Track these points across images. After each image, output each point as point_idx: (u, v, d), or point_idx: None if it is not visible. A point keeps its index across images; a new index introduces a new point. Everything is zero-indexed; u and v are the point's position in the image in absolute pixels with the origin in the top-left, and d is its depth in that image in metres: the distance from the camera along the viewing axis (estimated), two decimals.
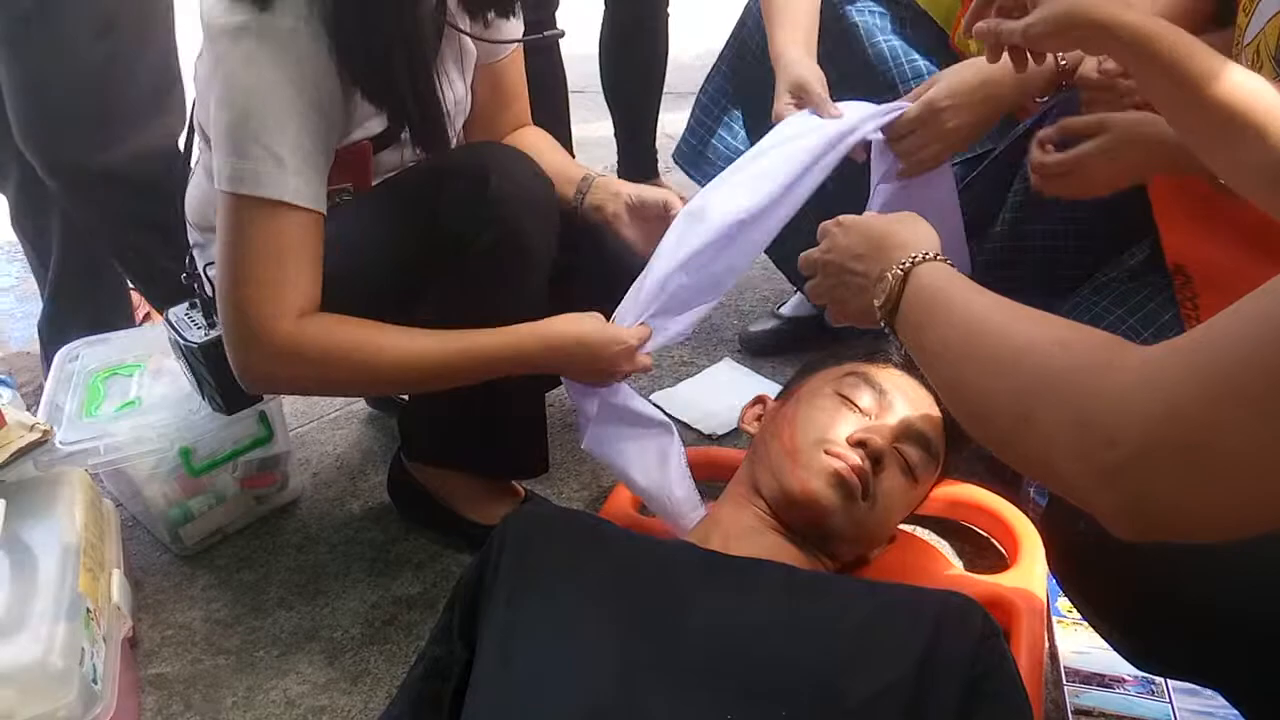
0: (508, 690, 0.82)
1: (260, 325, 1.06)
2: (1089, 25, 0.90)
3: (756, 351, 1.80)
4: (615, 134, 2.37)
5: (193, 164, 1.26)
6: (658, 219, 1.24)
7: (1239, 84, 0.83)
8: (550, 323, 1.15)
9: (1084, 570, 0.83)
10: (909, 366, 1.10)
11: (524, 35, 1.26)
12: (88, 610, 1.10)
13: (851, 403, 1.07)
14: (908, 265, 0.81)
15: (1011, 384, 0.64)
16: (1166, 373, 0.54)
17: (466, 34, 1.18)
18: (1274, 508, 0.51)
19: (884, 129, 1.24)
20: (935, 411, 1.11)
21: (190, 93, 1.22)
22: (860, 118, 1.22)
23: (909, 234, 0.89)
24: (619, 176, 2.39)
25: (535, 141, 1.34)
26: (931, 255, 0.83)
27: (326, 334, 1.08)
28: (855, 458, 1.02)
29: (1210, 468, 0.51)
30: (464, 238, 1.11)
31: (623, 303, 1.19)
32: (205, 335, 1.26)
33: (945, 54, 1.42)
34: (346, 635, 1.29)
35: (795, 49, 1.28)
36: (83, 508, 1.25)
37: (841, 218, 0.98)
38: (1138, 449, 0.53)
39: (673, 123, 3.22)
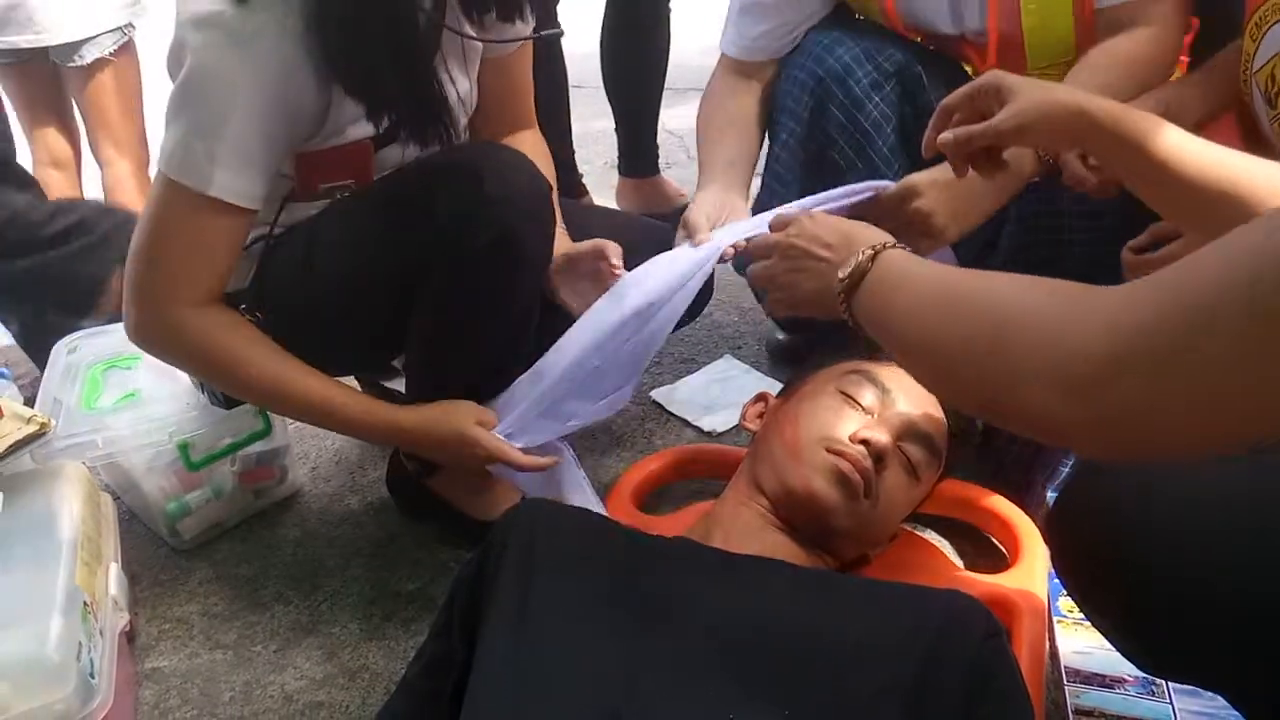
0: (508, 687, 0.82)
1: (152, 304, 1.12)
2: (1067, 111, 0.89)
3: (785, 360, 1.76)
4: (616, 129, 2.35)
5: None
6: (592, 273, 1.25)
7: (1214, 156, 0.84)
8: (421, 411, 1.22)
9: (1088, 570, 0.82)
10: None
11: (522, 34, 1.25)
12: (85, 604, 1.10)
13: (854, 400, 1.07)
14: (879, 247, 0.84)
15: (986, 320, 0.66)
16: (1141, 294, 0.57)
17: (463, 35, 1.17)
18: (1238, 423, 0.54)
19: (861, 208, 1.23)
20: (938, 411, 1.10)
21: None
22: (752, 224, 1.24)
23: (881, 236, 0.90)
24: (620, 173, 2.39)
25: (529, 152, 1.31)
26: (904, 247, 0.85)
27: (204, 334, 1.13)
28: (858, 455, 1.01)
29: (1179, 380, 0.53)
30: (459, 239, 1.11)
31: (512, 389, 1.23)
32: None
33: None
34: (345, 630, 1.28)
35: (712, 190, 1.31)
36: (80, 501, 1.24)
37: (813, 210, 1.03)
38: (1110, 362, 0.55)
39: (674, 118, 3.22)
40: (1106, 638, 0.84)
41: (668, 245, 1.26)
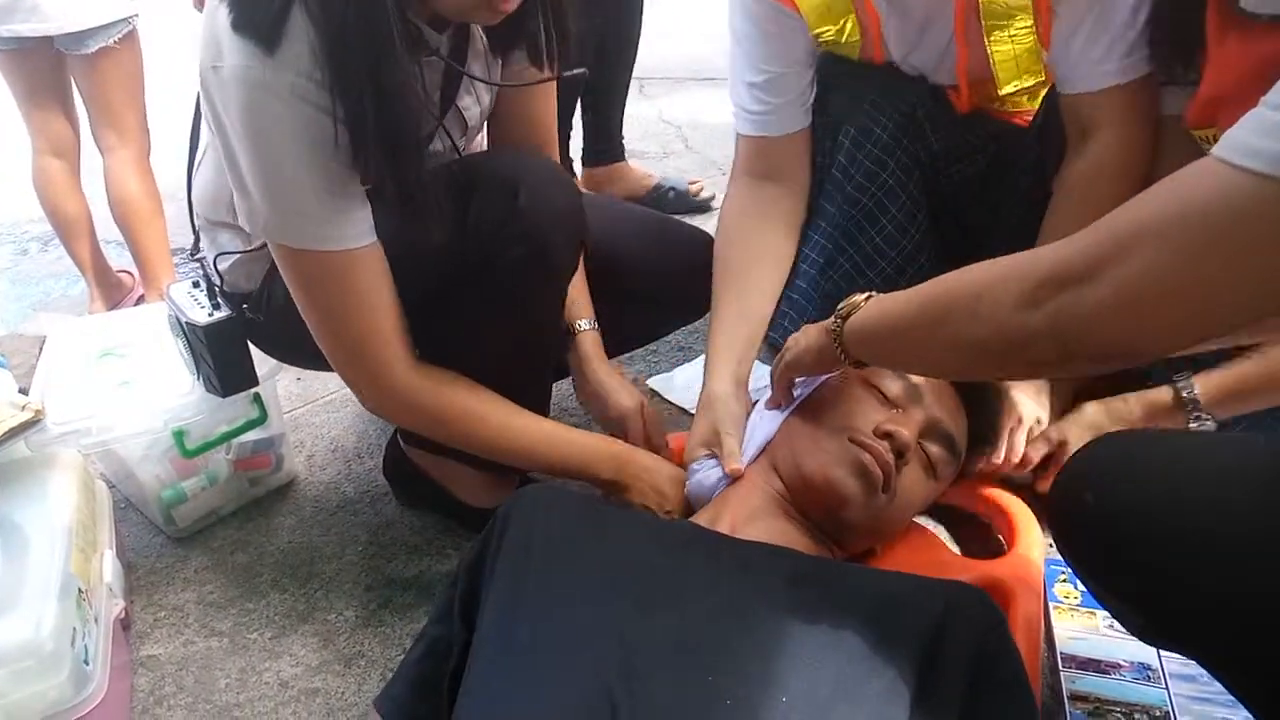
0: (504, 670, 0.82)
1: (367, 379, 1.14)
2: None
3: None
4: (582, 114, 2.33)
5: (200, 154, 1.23)
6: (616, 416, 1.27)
7: None
8: (635, 451, 1.22)
9: (1088, 544, 0.82)
10: None
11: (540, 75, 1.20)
12: (80, 591, 1.10)
13: (880, 391, 1.06)
14: (870, 295, 0.97)
15: (960, 293, 0.81)
16: (1088, 231, 0.70)
17: (475, 78, 1.16)
18: (1178, 325, 0.67)
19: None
20: (962, 412, 1.10)
21: None
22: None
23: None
24: (583, 164, 2.39)
25: None
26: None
27: (436, 394, 1.14)
28: (880, 449, 1.01)
29: (1122, 286, 0.66)
30: (492, 252, 1.09)
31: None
32: (209, 316, 1.25)
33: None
34: (340, 618, 1.28)
35: (723, 384, 1.25)
36: (75, 488, 1.24)
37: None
38: (1067, 278, 0.69)
39: (672, 106, 3.21)
40: (1106, 609, 0.85)
41: (694, 245, 1.34)
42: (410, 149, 1.02)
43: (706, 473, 1.14)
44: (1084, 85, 1.23)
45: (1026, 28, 1.27)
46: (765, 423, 1.14)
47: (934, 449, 1.06)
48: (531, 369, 1.26)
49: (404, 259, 1.10)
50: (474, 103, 1.21)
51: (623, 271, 1.33)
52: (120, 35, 2.02)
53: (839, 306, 0.98)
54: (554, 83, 1.25)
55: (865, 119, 1.38)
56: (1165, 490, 0.76)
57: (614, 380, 1.28)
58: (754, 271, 1.37)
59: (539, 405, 1.30)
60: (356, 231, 1.06)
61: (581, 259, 1.26)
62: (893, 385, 1.06)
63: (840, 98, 1.39)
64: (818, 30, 1.31)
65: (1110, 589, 0.82)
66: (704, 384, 1.27)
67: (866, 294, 0.97)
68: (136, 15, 2.06)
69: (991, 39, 1.28)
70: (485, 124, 1.29)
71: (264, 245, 1.18)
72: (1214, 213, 0.61)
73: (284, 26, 0.94)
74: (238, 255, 1.23)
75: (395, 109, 0.98)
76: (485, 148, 1.31)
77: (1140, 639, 0.85)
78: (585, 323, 1.29)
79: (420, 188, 1.03)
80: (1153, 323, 0.67)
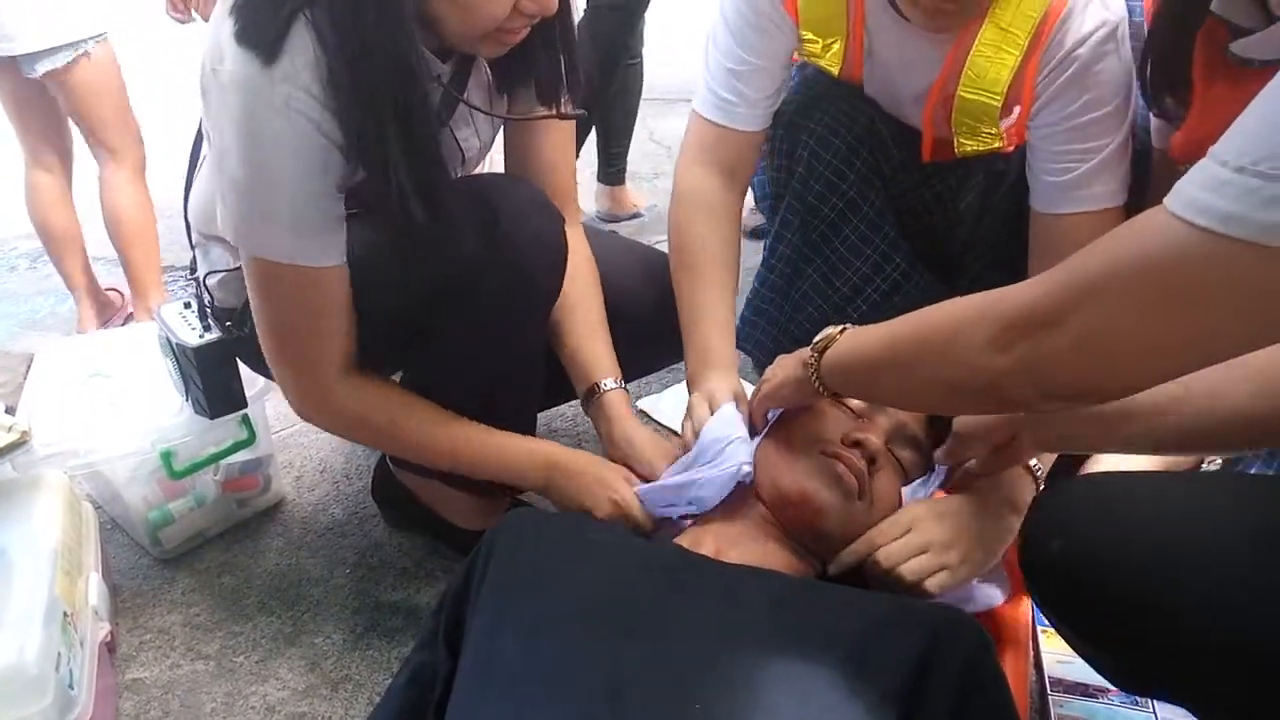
0: (491, 698, 0.81)
1: (300, 386, 1.15)
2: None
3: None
4: (596, 141, 2.61)
5: (198, 165, 1.23)
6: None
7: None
8: (566, 453, 1.20)
9: (1058, 589, 0.83)
10: None
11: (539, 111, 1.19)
12: (65, 614, 1.09)
13: (845, 405, 1.07)
14: (845, 328, 0.98)
15: (937, 327, 0.82)
16: (1053, 274, 0.71)
17: (481, 110, 1.17)
18: (1142, 368, 0.69)
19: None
20: (923, 416, 1.11)
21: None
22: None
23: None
24: (599, 180, 2.62)
25: (577, 272, 1.26)
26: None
27: (362, 400, 1.15)
28: (851, 457, 1.02)
29: (1084, 332, 0.68)
30: (473, 280, 1.10)
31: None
32: (200, 338, 1.25)
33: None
34: (328, 641, 1.27)
35: (716, 374, 1.21)
36: (61, 510, 1.23)
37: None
38: (1033, 322, 0.71)
39: (661, 129, 3.23)
40: (1080, 654, 0.85)
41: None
42: (437, 163, 1.02)
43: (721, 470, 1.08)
44: (1049, 206, 1.23)
45: (993, 134, 1.28)
46: (739, 447, 1.14)
47: (904, 453, 1.07)
48: (515, 396, 1.25)
49: (385, 285, 1.10)
50: (472, 135, 1.21)
51: (622, 307, 1.33)
52: (75, 56, 1.98)
53: (815, 340, 0.99)
54: (571, 127, 1.26)
55: (824, 129, 1.38)
56: (1134, 535, 0.76)
57: (642, 435, 1.22)
58: (725, 271, 1.32)
59: (524, 429, 1.30)
60: (326, 251, 1.06)
61: (603, 313, 1.26)
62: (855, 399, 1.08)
63: (801, 108, 1.39)
64: (806, 36, 1.32)
65: (1082, 635, 0.82)
66: (700, 374, 1.23)
67: (841, 326, 0.97)
68: (99, 35, 2.02)
69: (959, 133, 1.29)
70: (487, 160, 1.29)
71: None
72: (1166, 265, 0.63)
73: (285, 41, 0.94)
74: (224, 273, 1.23)
75: (418, 125, 0.98)
76: None
77: (1114, 684, 0.85)
78: (610, 381, 1.24)
79: (445, 202, 1.03)
80: (1117, 366, 0.69)
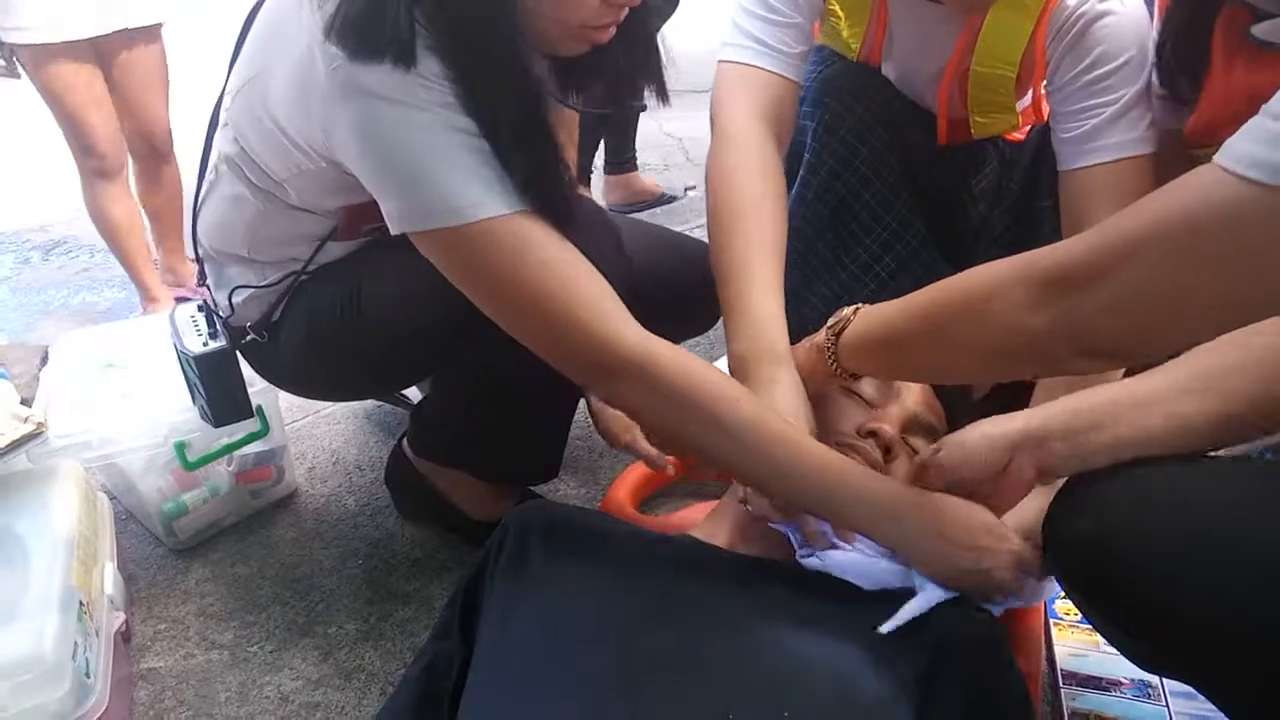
0: (506, 687, 0.82)
1: (590, 358, 0.95)
2: None
3: None
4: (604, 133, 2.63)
5: (205, 189, 1.20)
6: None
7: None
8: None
9: (1087, 574, 0.82)
10: None
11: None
12: (81, 604, 1.10)
13: (856, 394, 1.07)
14: (858, 307, 0.97)
15: (970, 290, 0.82)
16: (1093, 232, 0.72)
17: (560, 100, 1.13)
18: (1185, 324, 0.70)
19: None
20: (935, 399, 1.10)
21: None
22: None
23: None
24: (604, 172, 2.70)
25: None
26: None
27: (683, 369, 0.94)
28: (866, 447, 1.01)
29: (1127, 288, 0.69)
30: None
31: None
32: (204, 346, 1.24)
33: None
34: (341, 631, 1.28)
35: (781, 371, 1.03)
36: (76, 501, 1.24)
37: None
38: (1073, 280, 0.72)
39: (672, 119, 3.22)
40: (1104, 636, 0.84)
41: (691, 261, 1.30)
42: (555, 154, 0.96)
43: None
44: (1070, 163, 1.20)
45: (1009, 112, 1.28)
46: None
47: (918, 442, 1.07)
48: (560, 403, 1.26)
49: (428, 302, 1.06)
50: None
51: (638, 286, 1.32)
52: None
53: (830, 322, 0.98)
54: (573, 112, 1.24)
55: (840, 105, 1.37)
56: (1168, 519, 0.75)
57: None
58: (775, 232, 1.16)
59: (556, 421, 1.30)
60: (512, 197, 0.93)
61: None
62: (868, 388, 1.07)
63: (818, 84, 1.39)
64: (833, 8, 1.32)
65: (1108, 616, 0.82)
66: (742, 311, 1.07)
67: (854, 307, 0.97)
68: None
69: (975, 112, 1.29)
70: None
71: (278, 281, 1.17)
72: (1215, 220, 0.63)
73: (414, 52, 0.90)
74: (250, 290, 1.20)
75: (536, 119, 0.94)
76: None
77: (1140, 666, 0.84)
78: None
79: (569, 191, 0.98)
80: (1160, 323, 0.70)
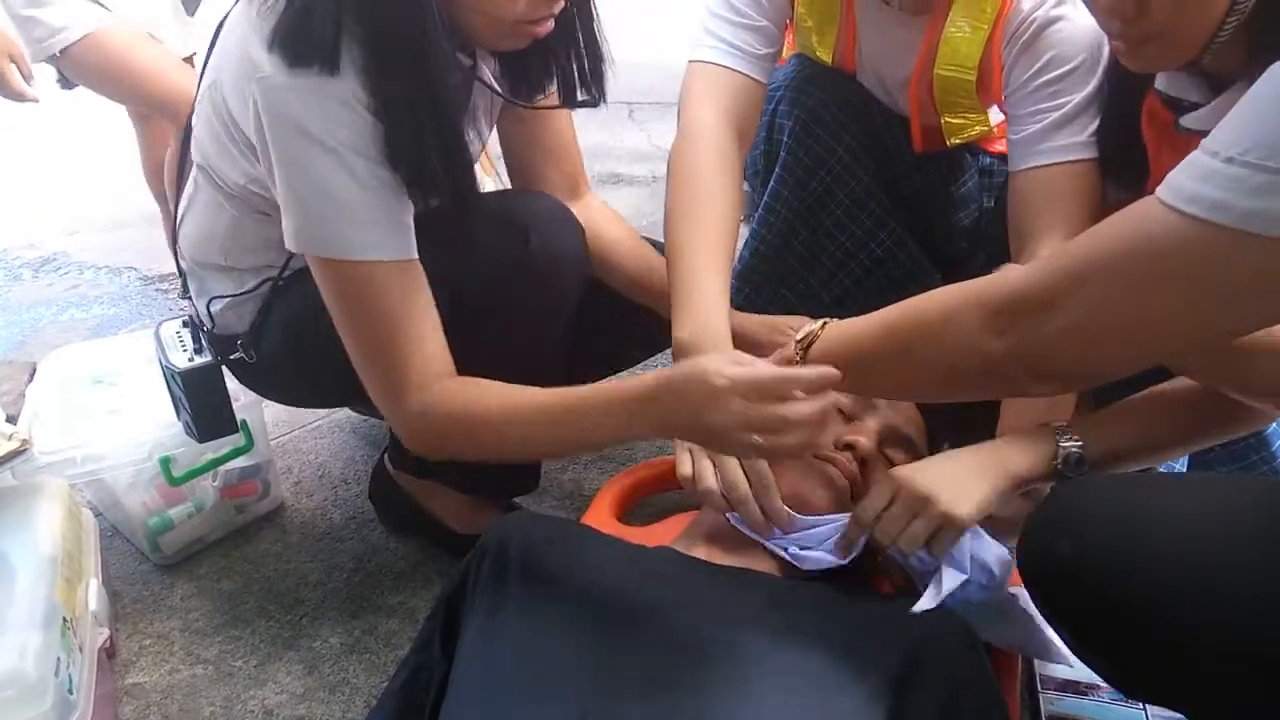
0: (484, 699, 0.82)
1: (404, 400, 1.01)
2: None
3: None
4: None
5: (185, 202, 1.22)
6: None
7: None
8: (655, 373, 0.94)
9: (1060, 593, 0.82)
10: None
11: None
12: (64, 620, 1.10)
13: (835, 409, 1.07)
14: (826, 322, 0.97)
15: (931, 312, 0.85)
16: (1044, 260, 0.76)
17: (504, 97, 1.16)
18: (1132, 350, 0.73)
19: None
20: (915, 413, 1.11)
21: None
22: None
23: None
24: None
25: (607, 227, 1.30)
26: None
27: (467, 405, 1.00)
28: (843, 460, 1.02)
29: (1077, 316, 0.71)
30: (501, 298, 1.10)
31: None
32: (188, 361, 1.24)
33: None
34: (325, 645, 1.28)
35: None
36: (61, 517, 1.25)
37: None
38: (1027, 308, 0.74)
39: (659, 134, 3.24)
40: (1080, 658, 0.84)
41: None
42: (464, 154, 1.01)
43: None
44: (1019, 163, 1.20)
45: (977, 115, 1.31)
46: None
47: (896, 455, 1.07)
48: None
49: None
50: (476, 138, 1.21)
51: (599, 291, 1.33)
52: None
53: (799, 337, 0.98)
54: (569, 111, 1.25)
55: (815, 104, 1.39)
56: (1150, 544, 0.75)
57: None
58: (729, 221, 1.19)
59: None
60: (403, 244, 1.01)
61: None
62: (844, 400, 1.08)
63: (794, 84, 1.41)
64: (802, 10, 1.34)
65: (1085, 640, 0.81)
66: (689, 310, 1.08)
67: (821, 321, 0.97)
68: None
69: (944, 114, 1.32)
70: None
71: (255, 287, 1.19)
72: (1156, 252, 0.67)
73: (339, 55, 0.93)
74: (228, 299, 1.22)
75: (446, 114, 0.98)
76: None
77: (1115, 688, 0.85)
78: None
79: (473, 193, 1.04)
80: (1109, 349, 0.73)
